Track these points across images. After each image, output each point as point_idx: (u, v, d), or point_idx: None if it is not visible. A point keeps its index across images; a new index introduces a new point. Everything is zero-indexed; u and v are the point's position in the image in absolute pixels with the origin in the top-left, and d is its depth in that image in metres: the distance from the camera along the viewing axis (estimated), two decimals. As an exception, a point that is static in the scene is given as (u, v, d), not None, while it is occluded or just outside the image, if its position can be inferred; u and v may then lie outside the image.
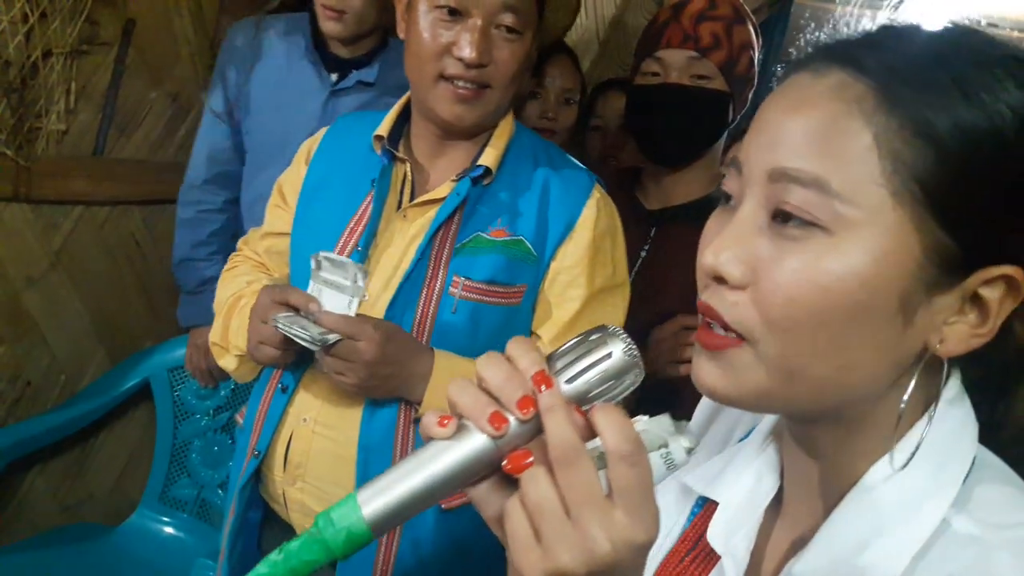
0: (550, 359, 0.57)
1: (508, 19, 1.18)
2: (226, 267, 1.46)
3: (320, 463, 1.25)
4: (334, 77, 1.88)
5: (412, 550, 1.23)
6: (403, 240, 1.25)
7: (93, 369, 2.24)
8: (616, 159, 2.06)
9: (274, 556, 0.55)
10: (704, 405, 0.83)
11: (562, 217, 1.26)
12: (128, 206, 2.25)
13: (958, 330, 0.57)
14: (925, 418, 0.59)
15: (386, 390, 1.18)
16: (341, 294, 1.17)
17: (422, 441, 0.57)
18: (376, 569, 1.23)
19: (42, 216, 2.02)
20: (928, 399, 0.60)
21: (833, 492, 0.63)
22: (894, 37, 0.59)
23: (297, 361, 1.26)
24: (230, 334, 1.32)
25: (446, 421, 0.55)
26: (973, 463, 0.58)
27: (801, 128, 0.57)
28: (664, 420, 0.56)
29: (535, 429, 0.55)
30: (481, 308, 1.23)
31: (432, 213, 1.24)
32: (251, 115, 1.94)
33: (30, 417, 2.06)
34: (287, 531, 1.31)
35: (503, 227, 1.24)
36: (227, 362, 1.34)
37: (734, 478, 0.72)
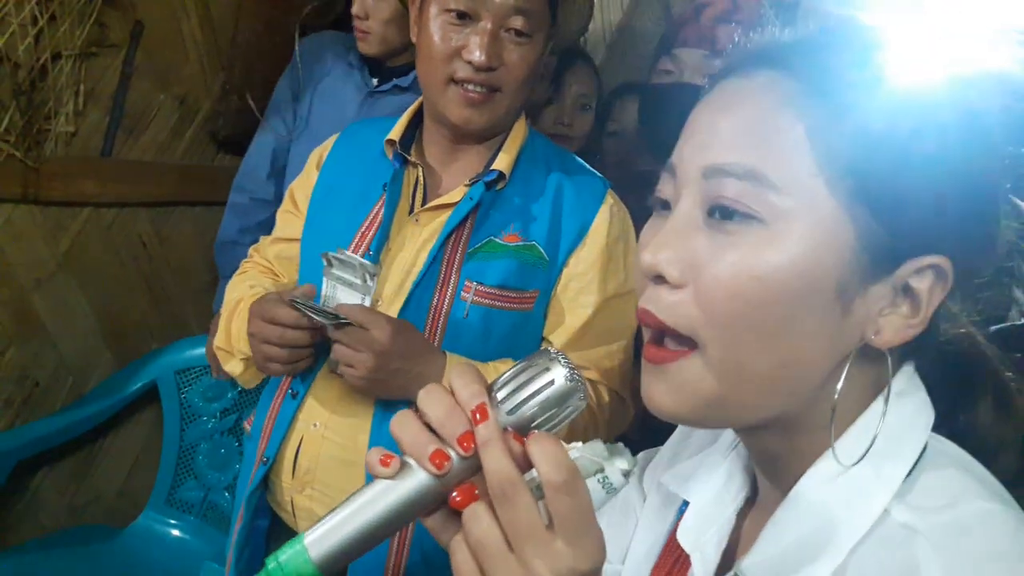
0: (491, 388, 0.56)
1: (518, 22, 1.18)
2: (237, 272, 1.47)
3: (329, 469, 1.24)
4: (375, 81, 2.04)
5: (422, 555, 1.23)
6: (415, 244, 1.25)
7: (100, 371, 2.25)
8: (633, 164, 2.06)
9: None
10: None
11: (575, 223, 1.26)
12: (135, 208, 2.26)
13: (892, 321, 0.57)
14: (869, 411, 0.59)
15: (395, 386, 1.16)
16: (354, 291, 1.17)
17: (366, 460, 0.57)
18: (387, 572, 1.23)
19: (50, 217, 2.02)
20: (873, 392, 0.60)
21: (790, 487, 0.63)
22: (819, 36, 0.60)
23: (307, 368, 1.26)
24: (232, 338, 1.32)
25: (388, 460, 0.55)
26: (923, 453, 0.58)
27: (733, 125, 0.57)
28: (597, 445, 0.56)
29: (478, 463, 0.54)
30: (493, 313, 1.22)
31: (444, 217, 1.24)
32: (307, 119, 2.09)
33: (38, 418, 2.07)
34: (286, 535, 1.31)
35: (516, 232, 1.24)
36: (233, 367, 1.34)
37: (704, 478, 0.72)
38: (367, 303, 1.17)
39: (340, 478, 1.24)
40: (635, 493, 0.82)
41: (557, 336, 1.27)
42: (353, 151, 1.37)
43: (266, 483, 1.33)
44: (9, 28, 1.74)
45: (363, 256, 1.24)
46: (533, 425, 0.55)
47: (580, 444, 0.56)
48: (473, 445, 0.53)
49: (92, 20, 1.93)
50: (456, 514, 0.56)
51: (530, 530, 0.51)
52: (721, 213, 0.56)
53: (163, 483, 2.30)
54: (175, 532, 2.27)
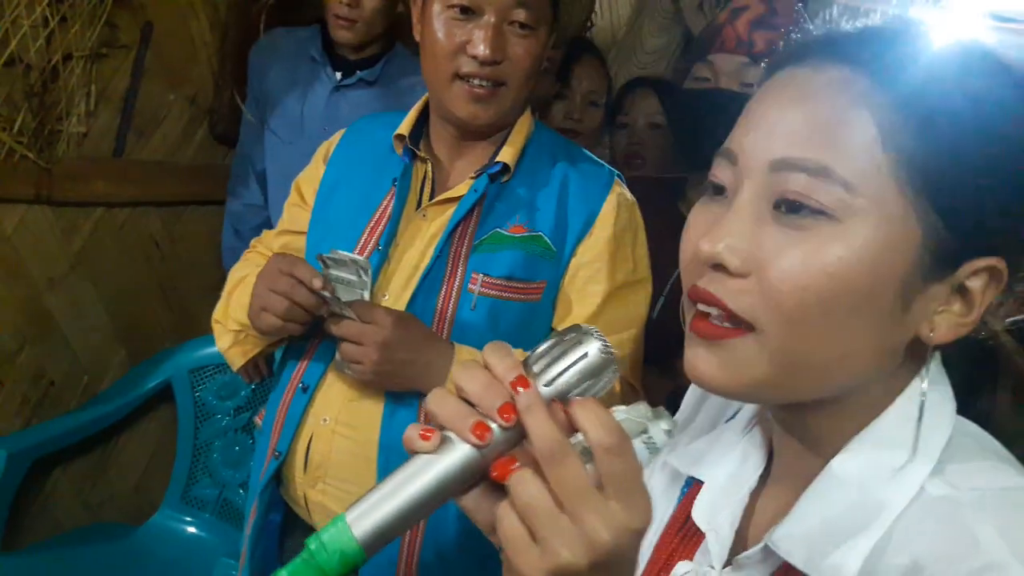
0: (526, 363, 0.57)
1: (521, 15, 1.18)
2: (240, 261, 1.47)
3: (341, 464, 1.24)
4: (338, 75, 2.05)
5: (435, 550, 1.23)
6: (423, 238, 1.25)
7: (114, 370, 2.27)
8: (641, 158, 2.06)
9: None
10: (695, 389, 0.83)
11: (581, 212, 1.26)
12: (147, 207, 2.28)
13: (946, 319, 0.58)
14: (904, 395, 0.61)
15: (403, 378, 1.17)
16: (352, 288, 1.18)
17: (403, 437, 0.57)
18: (399, 570, 1.23)
19: (63, 218, 2.04)
20: (905, 379, 0.61)
21: (815, 466, 0.63)
22: (890, 34, 0.60)
23: (317, 361, 1.26)
24: (230, 308, 1.32)
25: (429, 434, 0.55)
26: (952, 435, 0.60)
27: (804, 119, 0.57)
28: (641, 407, 0.57)
29: (519, 435, 0.54)
30: (500, 304, 1.23)
31: (451, 211, 1.25)
32: (271, 111, 2.11)
33: (53, 417, 2.09)
34: (308, 533, 1.30)
35: (521, 223, 1.24)
36: (224, 341, 1.34)
37: (719, 458, 0.73)
38: (365, 297, 1.17)
39: (352, 472, 1.24)
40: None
41: (565, 326, 1.26)
42: (361, 146, 1.38)
43: (279, 478, 1.34)
44: (21, 30, 1.76)
45: (372, 251, 1.25)
46: (568, 398, 0.55)
47: (623, 407, 0.56)
48: (514, 416, 0.53)
49: (103, 21, 1.94)
50: (494, 490, 0.57)
51: (582, 490, 0.51)
52: (789, 207, 0.57)
53: (178, 481, 2.31)
54: (190, 529, 2.28)
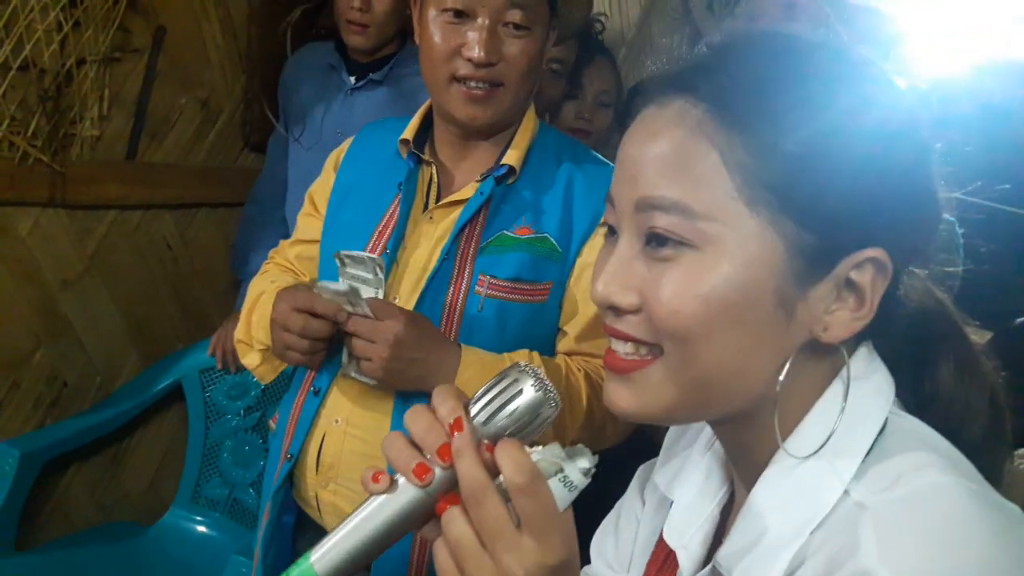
0: (467, 406, 0.60)
1: (516, 16, 1.18)
2: (257, 274, 1.48)
3: (352, 464, 1.26)
4: (352, 79, 2.07)
5: None
6: (430, 241, 1.26)
7: (127, 371, 2.28)
8: None
9: None
10: None
11: (587, 212, 1.26)
12: (160, 210, 2.29)
13: (839, 316, 0.60)
14: (823, 399, 0.62)
15: (412, 377, 1.17)
16: (368, 287, 1.19)
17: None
18: (411, 570, 1.24)
19: (77, 220, 2.06)
20: (830, 379, 0.63)
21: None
22: (721, 57, 0.62)
23: (329, 364, 1.27)
24: (252, 328, 1.33)
25: (379, 476, 0.60)
26: (883, 431, 0.60)
27: (654, 158, 0.60)
28: (555, 448, 0.59)
29: None
30: (507, 306, 1.23)
31: (457, 213, 1.25)
32: (299, 123, 2.15)
33: (67, 418, 2.11)
34: (320, 534, 1.31)
35: (527, 225, 1.24)
36: (250, 359, 1.36)
37: (687, 476, 0.75)
38: (380, 295, 1.18)
39: (362, 473, 1.24)
40: (637, 504, 0.85)
41: (572, 326, 1.27)
42: (368, 152, 1.39)
43: (291, 480, 1.35)
44: (35, 35, 1.77)
45: (380, 255, 1.25)
46: (507, 434, 0.59)
47: (540, 448, 0.59)
48: (450, 456, 0.58)
49: (115, 25, 1.96)
50: None
51: (499, 529, 0.56)
52: (657, 241, 0.60)
53: (189, 480, 2.32)
54: (201, 528, 2.29)
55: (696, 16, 2.40)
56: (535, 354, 1.23)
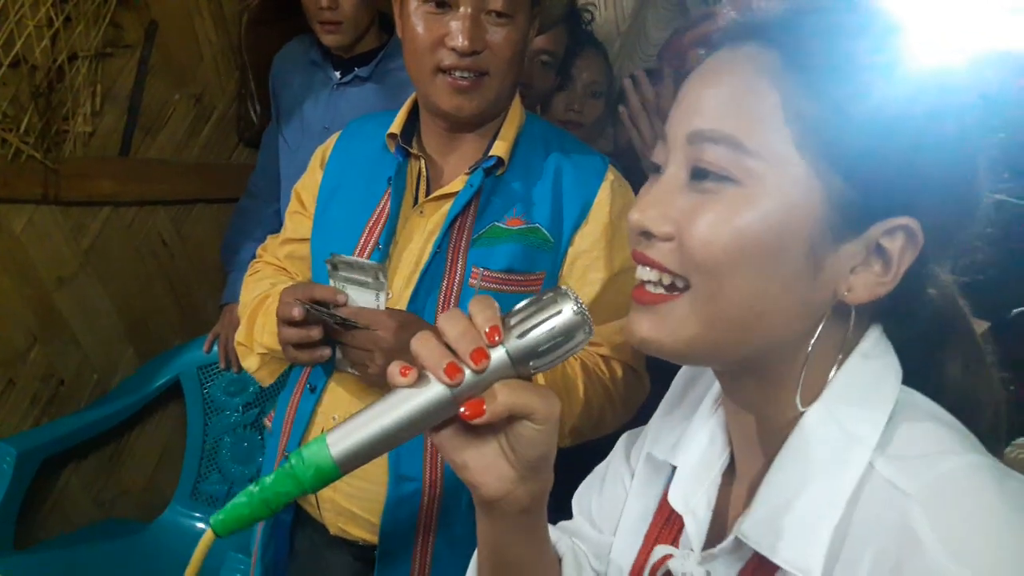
0: (505, 317, 0.62)
1: (497, 4, 1.18)
2: (248, 272, 1.48)
3: None
4: (338, 75, 2.06)
5: (448, 548, 1.24)
6: (421, 235, 1.26)
7: (124, 367, 2.28)
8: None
9: (251, 488, 0.60)
10: (680, 378, 0.85)
11: (576, 202, 1.26)
12: (154, 206, 2.29)
13: (864, 278, 0.61)
14: (842, 373, 0.63)
15: None
16: (366, 290, 1.19)
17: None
18: (413, 566, 1.24)
19: (71, 217, 2.05)
20: (839, 350, 0.64)
21: (770, 445, 0.66)
22: (801, 11, 0.63)
23: (324, 362, 1.27)
24: (255, 332, 1.33)
25: (407, 371, 0.60)
26: (895, 407, 0.61)
27: (716, 93, 0.62)
28: None
29: (489, 382, 0.60)
30: (501, 297, 1.21)
31: (447, 207, 1.25)
32: (286, 119, 2.16)
33: (64, 415, 2.10)
34: (320, 531, 1.32)
35: (518, 216, 1.24)
36: (250, 363, 1.36)
37: (689, 442, 0.76)
38: (382, 299, 1.18)
39: (362, 469, 1.24)
40: (624, 469, 0.86)
41: None
42: (355, 148, 1.38)
43: None
44: (25, 30, 1.77)
45: (372, 250, 1.26)
46: (540, 351, 0.60)
47: None
48: (485, 360, 0.59)
49: (107, 21, 1.95)
50: (463, 432, 0.63)
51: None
52: (701, 175, 0.61)
53: (188, 477, 2.33)
54: (200, 525, 2.29)
55: (691, 7, 2.40)
56: None
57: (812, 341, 0.62)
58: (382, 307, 1.18)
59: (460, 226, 1.24)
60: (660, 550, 0.74)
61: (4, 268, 1.93)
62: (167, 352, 2.32)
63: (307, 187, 1.41)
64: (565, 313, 0.60)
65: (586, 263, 1.26)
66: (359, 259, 1.18)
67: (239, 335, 1.38)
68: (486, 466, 0.64)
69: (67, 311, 2.09)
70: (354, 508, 1.26)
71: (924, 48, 0.60)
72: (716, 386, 0.76)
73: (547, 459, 0.65)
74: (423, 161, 1.30)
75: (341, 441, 0.60)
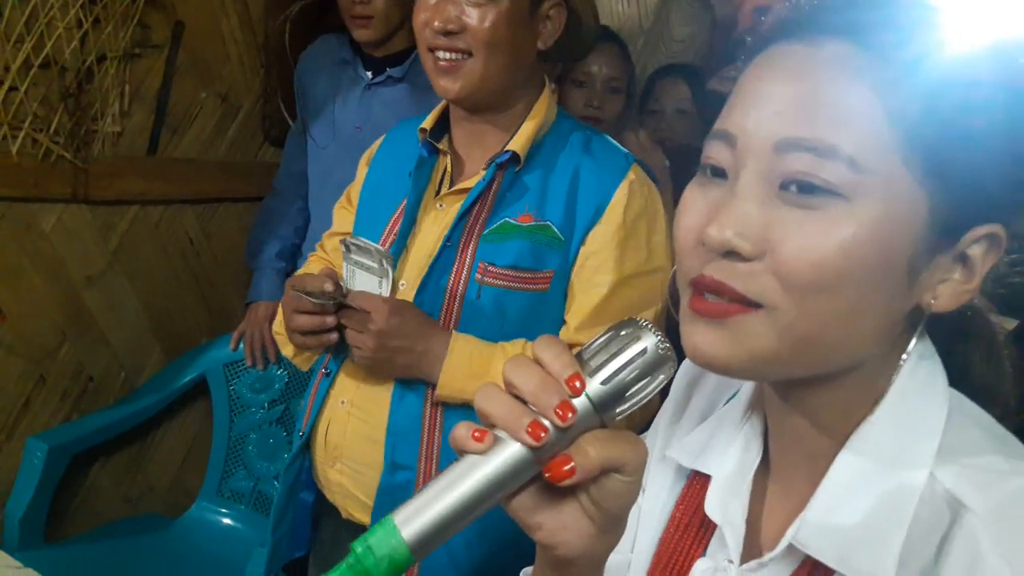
0: (580, 358, 0.54)
1: None
2: (303, 267, 1.53)
3: (354, 445, 1.28)
4: (369, 74, 2.07)
5: (448, 555, 1.26)
6: (438, 227, 1.27)
7: (151, 365, 2.30)
8: (672, 143, 2.05)
9: None
10: (681, 378, 0.82)
11: (592, 201, 1.24)
12: (182, 205, 2.31)
13: (949, 287, 0.59)
14: (902, 375, 0.61)
15: (400, 365, 1.21)
16: (372, 275, 1.22)
17: (450, 436, 0.55)
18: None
19: (99, 216, 2.08)
20: (899, 353, 0.61)
21: (822, 451, 0.63)
22: (893, 10, 0.58)
23: (340, 348, 1.29)
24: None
25: (481, 435, 0.52)
26: (948, 413, 0.60)
27: (806, 97, 0.56)
28: None
29: (574, 435, 0.53)
30: (505, 294, 1.23)
31: (463, 200, 1.26)
32: (313, 117, 2.16)
33: (93, 412, 2.13)
34: (334, 514, 1.36)
35: (530, 212, 1.24)
36: (288, 350, 1.39)
37: (723, 449, 0.71)
38: (385, 285, 1.20)
39: (363, 453, 1.27)
40: None
41: (572, 316, 1.25)
42: (396, 147, 1.41)
43: (310, 458, 1.39)
44: (55, 32, 1.79)
45: (393, 242, 1.28)
46: (627, 394, 0.54)
47: None
48: (571, 414, 0.52)
49: (135, 22, 1.97)
50: (543, 492, 0.55)
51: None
52: (799, 187, 0.55)
53: (214, 473, 2.34)
54: (226, 521, 2.31)
55: (715, 4, 2.39)
56: (529, 344, 1.22)
57: (909, 348, 0.60)
58: (385, 294, 1.20)
59: (473, 220, 1.25)
60: (702, 564, 0.69)
61: (35, 267, 1.96)
62: (193, 350, 2.34)
63: (355, 186, 1.46)
64: (650, 351, 0.53)
65: (595, 264, 1.24)
66: (368, 243, 1.20)
67: (276, 325, 1.42)
68: (564, 525, 0.56)
69: (96, 309, 2.12)
70: (358, 493, 1.29)
71: (1015, 52, 0.57)
72: (746, 389, 0.73)
73: (629, 509, 0.58)
74: (449, 156, 1.31)
75: (412, 520, 0.51)
